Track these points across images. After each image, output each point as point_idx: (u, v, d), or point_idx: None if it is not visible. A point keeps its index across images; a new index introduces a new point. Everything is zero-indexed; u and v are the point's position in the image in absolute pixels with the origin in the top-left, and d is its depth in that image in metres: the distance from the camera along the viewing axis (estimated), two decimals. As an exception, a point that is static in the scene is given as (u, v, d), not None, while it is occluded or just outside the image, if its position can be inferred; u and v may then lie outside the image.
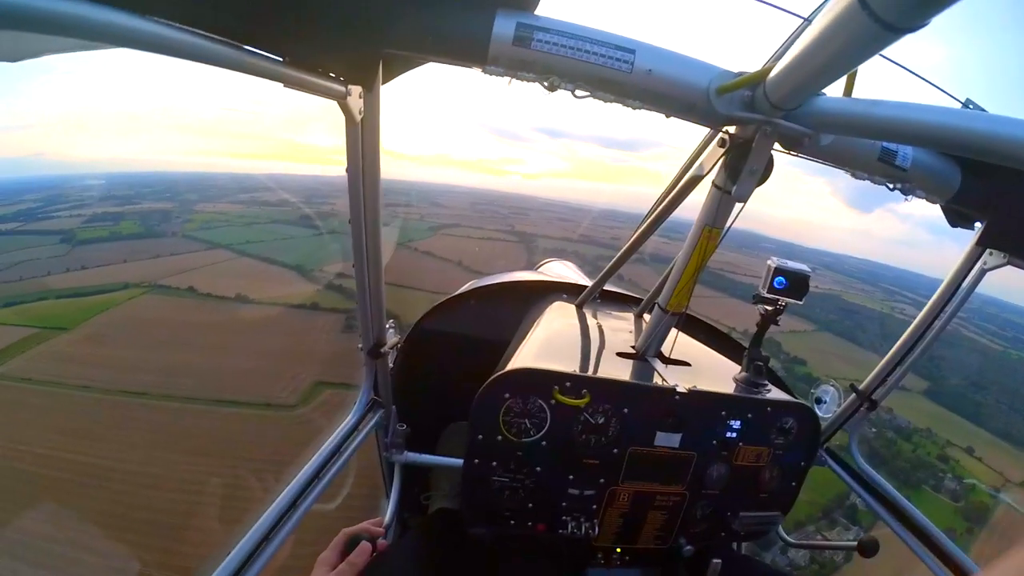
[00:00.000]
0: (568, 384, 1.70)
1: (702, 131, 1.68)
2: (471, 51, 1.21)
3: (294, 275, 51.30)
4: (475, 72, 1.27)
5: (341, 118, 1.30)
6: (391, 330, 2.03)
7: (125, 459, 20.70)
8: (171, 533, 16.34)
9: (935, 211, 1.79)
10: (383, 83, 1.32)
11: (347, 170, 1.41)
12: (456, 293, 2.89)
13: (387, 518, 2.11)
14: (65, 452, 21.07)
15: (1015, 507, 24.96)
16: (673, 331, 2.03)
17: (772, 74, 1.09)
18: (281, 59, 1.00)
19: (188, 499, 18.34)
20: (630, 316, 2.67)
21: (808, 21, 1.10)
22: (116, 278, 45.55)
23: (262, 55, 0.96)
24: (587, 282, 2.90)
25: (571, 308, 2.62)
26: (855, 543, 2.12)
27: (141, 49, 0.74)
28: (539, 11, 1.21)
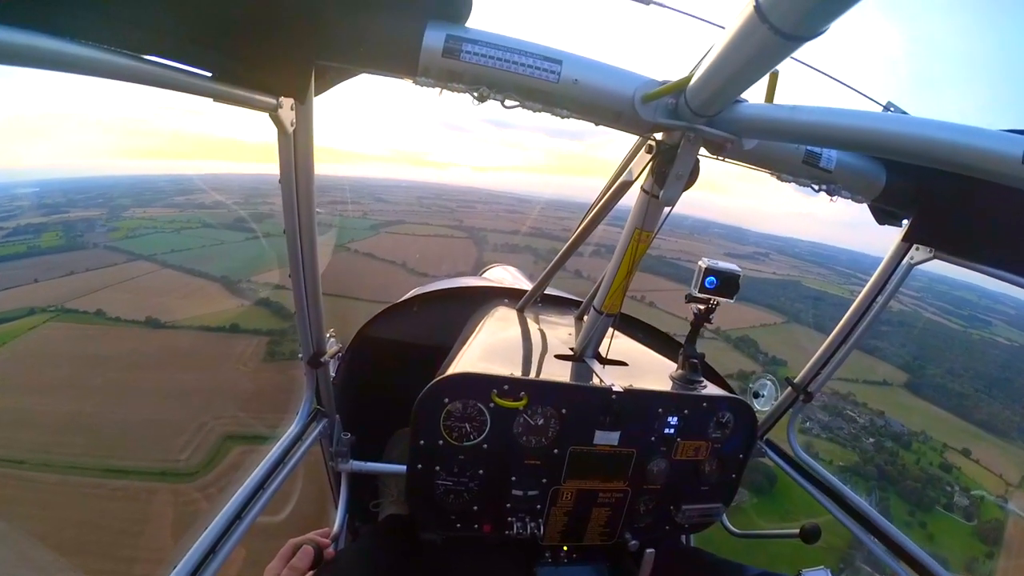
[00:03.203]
0: (506, 387, 1.71)
1: None
2: (402, 62, 1.22)
3: (219, 287, 45.94)
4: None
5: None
6: (331, 339, 2.06)
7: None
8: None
9: (878, 193, 1.81)
10: (316, 94, 1.32)
11: (280, 181, 1.40)
12: (399, 300, 2.87)
13: (335, 528, 2.10)
14: None
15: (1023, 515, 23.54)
16: (610, 331, 2.03)
17: (692, 82, 1.12)
18: (210, 74, 0.98)
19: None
20: (570, 319, 2.66)
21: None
22: (22, 302, 39.22)
23: (190, 71, 0.94)
24: (529, 287, 2.85)
25: (512, 313, 2.59)
26: (797, 531, 2.24)
27: (64, 71, 0.74)
28: (469, 23, 1.23)
